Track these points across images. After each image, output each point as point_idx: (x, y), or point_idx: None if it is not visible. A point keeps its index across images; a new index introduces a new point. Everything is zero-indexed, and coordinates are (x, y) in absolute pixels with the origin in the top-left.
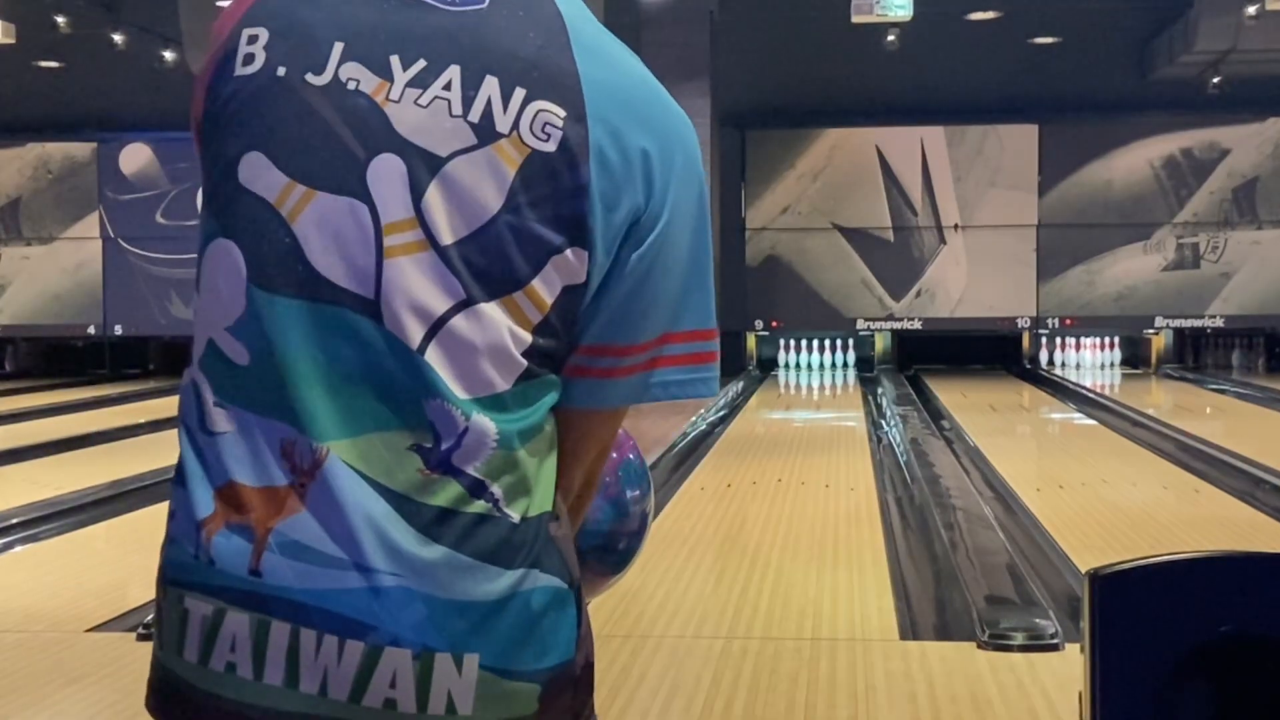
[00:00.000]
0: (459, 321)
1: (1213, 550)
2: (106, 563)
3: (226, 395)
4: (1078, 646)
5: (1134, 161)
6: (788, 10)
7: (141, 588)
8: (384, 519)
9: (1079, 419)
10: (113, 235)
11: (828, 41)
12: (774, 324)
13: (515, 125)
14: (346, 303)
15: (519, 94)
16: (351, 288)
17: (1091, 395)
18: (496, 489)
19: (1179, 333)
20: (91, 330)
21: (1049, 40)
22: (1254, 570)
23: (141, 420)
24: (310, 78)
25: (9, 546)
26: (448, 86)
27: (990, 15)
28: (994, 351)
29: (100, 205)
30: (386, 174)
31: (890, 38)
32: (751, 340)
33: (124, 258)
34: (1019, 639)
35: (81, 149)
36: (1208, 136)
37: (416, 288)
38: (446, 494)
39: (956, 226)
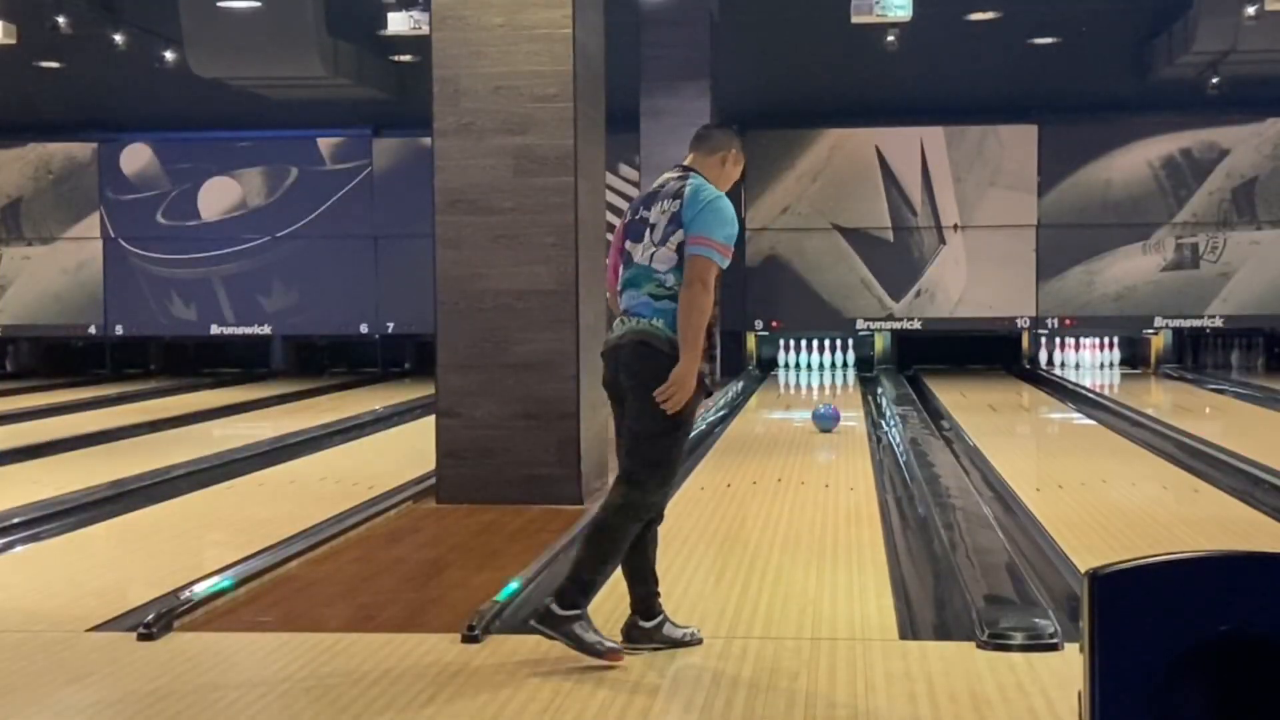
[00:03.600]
0: (657, 251)
1: (1212, 550)
2: (106, 563)
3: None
4: (1077, 646)
5: (1133, 161)
6: (788, 10)
7: (142, 587)
8: (644, 297)
9: (1078, 419)
10: (113, 235)
11: (828, 41)
12: (774, 324)
13: (678, 205)
14: (632, 260)
15: (676, 202)
16: (632, 252)
17: (1091, 395)
18: (666, 304)
19: (1178, 333)
20: (92, 330)
21: (1049, 40)
22: (1253, 570)
23: (141, 420)
24: (642, 212)
25: (9, 546)
26: (663, 208)
27: (990, 15)
28: (993, 351)
29: (101, 205)
30: (649, 229)
31: (890, 38)
32: (751, 340)
33: (124, 258)
34: (1018, 639)
35: (82, 149)
36: (1207, 136)
37: (650, 249)
38: (658, 291)
39: (956, 226)
